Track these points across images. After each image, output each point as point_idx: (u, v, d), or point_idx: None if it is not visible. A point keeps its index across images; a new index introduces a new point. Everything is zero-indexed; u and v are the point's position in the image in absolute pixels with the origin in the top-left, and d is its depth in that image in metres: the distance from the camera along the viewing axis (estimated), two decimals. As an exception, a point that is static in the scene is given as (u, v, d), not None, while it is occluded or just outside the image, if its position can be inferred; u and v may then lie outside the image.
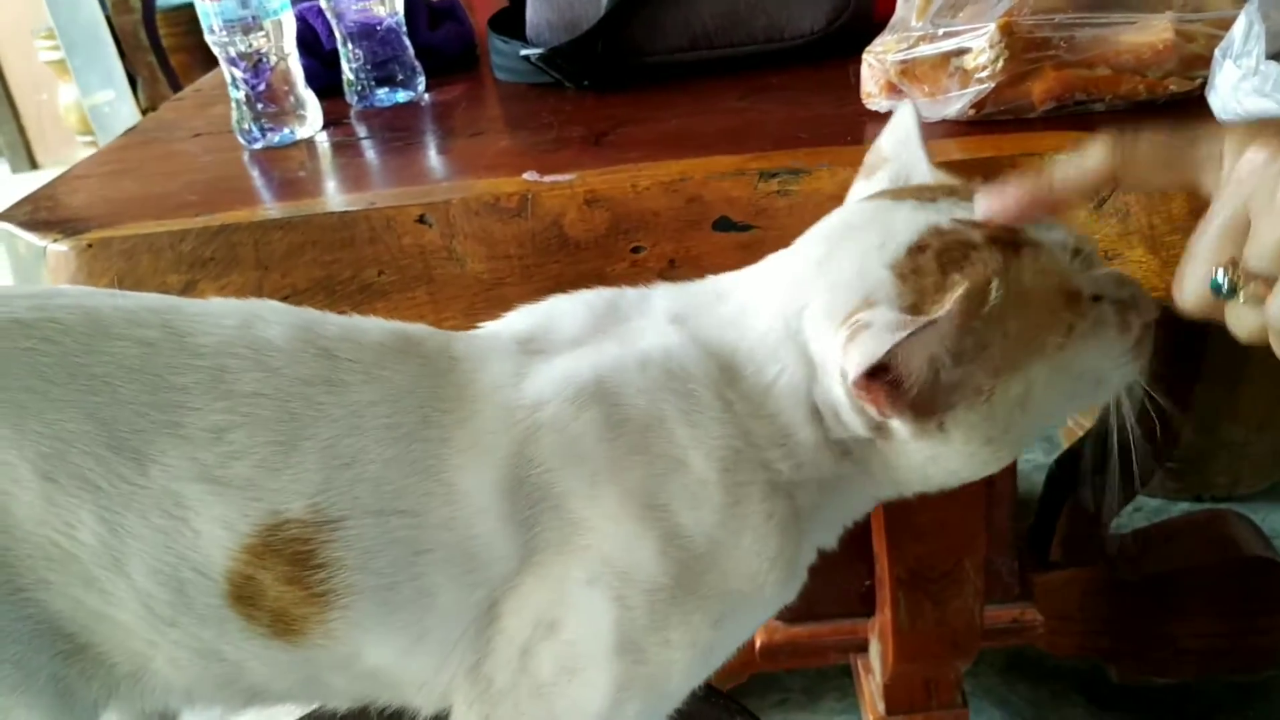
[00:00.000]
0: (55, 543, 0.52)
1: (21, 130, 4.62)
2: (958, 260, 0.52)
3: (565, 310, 0.61)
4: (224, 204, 0.82)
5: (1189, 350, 1.40)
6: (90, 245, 0.79)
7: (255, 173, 0.92)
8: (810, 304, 0.55)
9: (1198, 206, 0.61)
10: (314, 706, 0.61)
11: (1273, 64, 0.60)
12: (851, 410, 0.54)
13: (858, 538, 1.29)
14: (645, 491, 0.54)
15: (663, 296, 0.61)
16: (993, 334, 0.52)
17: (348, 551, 0.52)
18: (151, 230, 0.79)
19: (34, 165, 4.65)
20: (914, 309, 0.52)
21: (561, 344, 0.58)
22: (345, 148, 0.95)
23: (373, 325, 0.58)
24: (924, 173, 0.61)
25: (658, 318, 0.59)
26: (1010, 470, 1.39)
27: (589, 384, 0.55)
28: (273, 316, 0.56)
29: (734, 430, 0.55)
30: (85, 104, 3.88)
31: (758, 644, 1.47)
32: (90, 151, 3.55)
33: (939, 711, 1.34)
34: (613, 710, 0.55)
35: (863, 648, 1.43)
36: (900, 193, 0.59)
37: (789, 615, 1.49)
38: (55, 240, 0.81)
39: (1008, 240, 0.53)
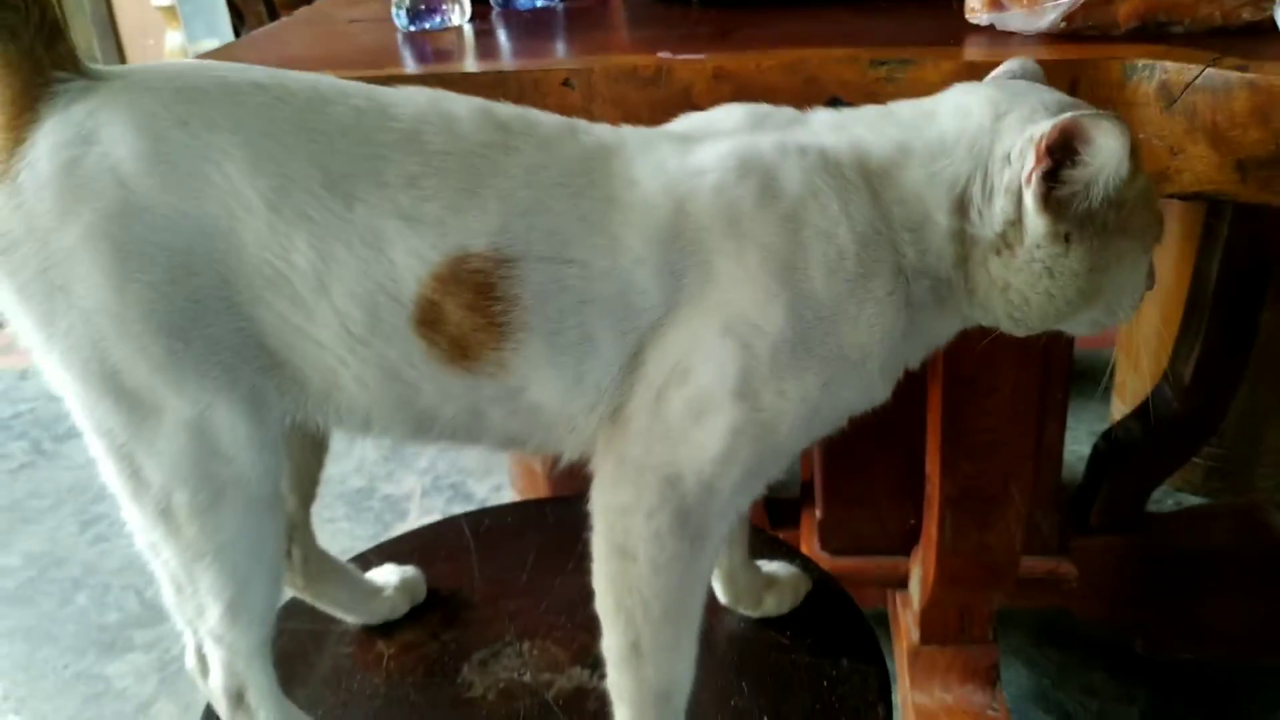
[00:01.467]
0: (272, 265, 0.62)
1: (125, 72, 4.81)
2: None
3: (725, 113, 0.71)
4: (389, 64, 0.93)
5: (1239, 332, 1.47)
6: (273, 85, 0.90)
7: (411, 50, 1.03)
8: (1009, 114, 0.65)
9: (1259, 104, 0.70)
10: (466, 446, 0.70)
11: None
12: (1006, 195, 0.64)
13: (906, 478, 1.37)
14: (787, 255, 0.63)
15: (819, 114, 0.71)
16: (1142, 201, 0.64)
17: (523, 290, 0.62)
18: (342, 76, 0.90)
19: (134, 108, 4.83)
20: None
21: (722, 133, 0.68)
22: (489, 34, 1.06)
23: (542, 113, 0.68)
24: None
25: (816, 125, 0.69)
26: (1059, 429, 1.47)
27: (750, 157, 0.65)
28: (456, 98, 0.67)
29: (876, 213, 0.64)
30: (189, 50, 4.04)
31: (804, 572, 1.56)
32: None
33: (971, 645, 1.41)
34: (727, 453, 0.64)
35: (903, 584, 1.51)
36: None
37: (835, 548, 1.58)
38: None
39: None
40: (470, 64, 0.92)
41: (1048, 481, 1.49)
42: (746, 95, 0.83)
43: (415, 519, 2.14)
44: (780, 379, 0.63)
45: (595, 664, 0.81)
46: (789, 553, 0.93)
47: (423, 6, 1.05)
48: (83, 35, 4.84)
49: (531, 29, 1.06)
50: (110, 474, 0.68)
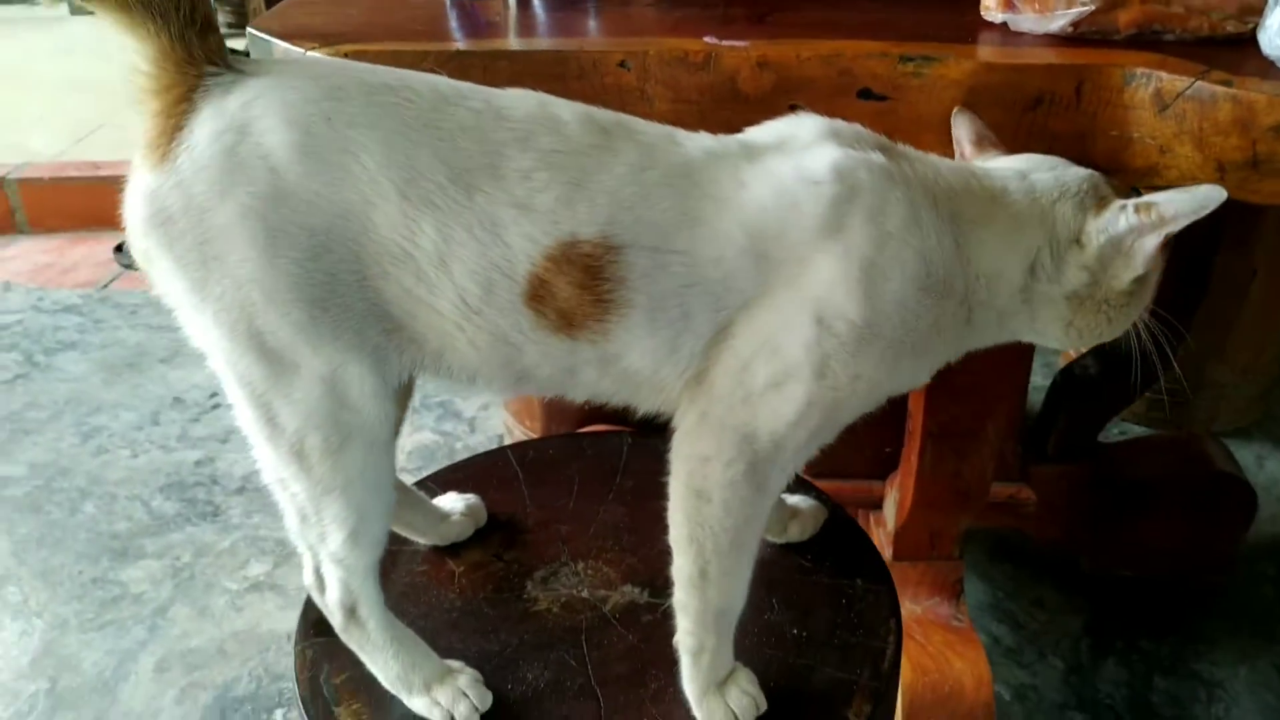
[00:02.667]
0: (400, 245, 0.72)
1: None
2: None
3: (798, 124, 0.80)
4: (444, 37, 1.01)
5: (1195, 274, 1.60)
6: (348, 55, 0.98)
7: (460, 19, 1.10)
8: (1063, 201, 0.78)
9: (1240, 116, 0.82)
10: (557, 394, 0.81)
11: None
12: (1080, 270, 0.78)
13: (885, 409, 1.50)
14: (883, 265, 0.74)
15: (912, 151, 0.80)
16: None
17: (629, 273, 0.72)
18: (398, 48, 0.98)
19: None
20: None
21: (810, 144, 0.77)
22: (526, 6, 1.13)
23: (639, 120, 0.78)
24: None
25: (916, 162, 0.78)
26: (1026, 366, 1.60)
27: (861, 177, 0.74)
28: (560, 102, 0.76)
29: (958, 254, 0.76)
30: None
31: (786, 493, 1.69)
32: None
33: (939, 561, 1.56)
34: (799, 420, 0.76)
35: (876, 505, 1.64)
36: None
37: (814, 470, 1.71)
38: (313, 48, 1.00)
39: None
40: (527, 42, 1.00)
41: (1012, 416, 1.62)
42: (787, 83, 0.93)
43: (407, 434, 2.24)
44: (856, 364, 0.74)
45: (644, 583, 0.93)
46: (807, 487, 1.05)
47: (471, -25, 1.12)
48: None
49: (574, 3, 1.14)
50: (247, 419, 0.78)
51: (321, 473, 0.76)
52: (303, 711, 0.84)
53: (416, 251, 0.72)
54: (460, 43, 0.98)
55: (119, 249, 2.90)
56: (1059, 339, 0.81)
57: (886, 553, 1.58)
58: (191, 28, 0.71)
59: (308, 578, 0.84)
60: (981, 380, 1.28)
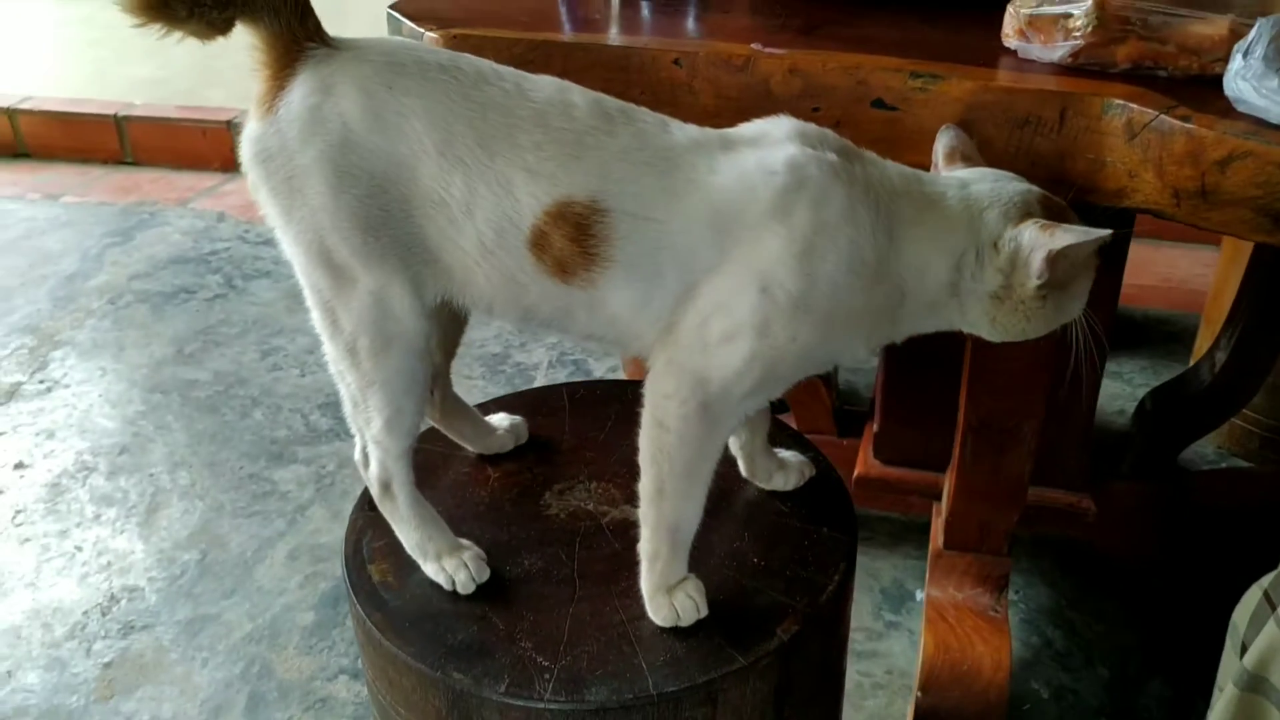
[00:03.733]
0: (438, 193, 0.90)
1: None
2: (1062, 213, 0.88)
3: (776, 124, 0.94)
4: (544, 27, 1.18)
5: (1272, 321, 1.63)
6: (455, 36, 1.17)
7: (564, 9, 1.28)
8: (990, 209, 0.89)
9: (1192, 149, 0.91)
10: (557, 334, 0.98)
11: (1264, 65, 0.88)
12: (997, 273, 0.88)
13: (953, 404, 1.59)
14: (820, 246, 0.87)
15: (868, 154, 0.93)
16: (1077, 261, 0.88)
17: (612, 233, 0.88)
18: (496, 34, 1.17)
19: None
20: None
21: (779, 140, 0.91)
22: (630, 4, 1.30)
23: (645, 111, 0.93)
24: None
25: (866, 163, 0.91)
26: (1094, 382, 1.67)
27: (811, 171, 0.88)
28: (578, 89, 0.93)
29: (891, 247, 0.88)
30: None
31: (855, 474, 1.80)
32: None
33: (987, 555, 1.64)
34: (744, 369, 0.90)
35: (940, 496, 1.74)
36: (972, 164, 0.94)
37: (886, 458, 1.82)
38: (430, 30, 1.19)
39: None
40: (608, 35, 1.17)
41: (1078, 425, 1.69)
42: (812, 89, 1.06)
43: (539, 384, 2.45)
44: (792, 328, 0.88)
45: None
46: (804, 445, 1.18)
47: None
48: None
49: (665, 5, 1.30)
50: (317, 319, 0.98)
51: (368, 368, 0.95)
52: (344, 564, 1.04)
53: (449, 199, 0.90)
54: (547, 33, 1.16)
55: (320, 194, 3.22)
56: (987, 332, 0.92)
57: (939, 540, 1.68)
58: (295, 17, 0.91)
59: (357, 454, 1.03)
60: (1017, 381, 1.38)
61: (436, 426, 1.17)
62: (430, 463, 1.14)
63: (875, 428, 1.80)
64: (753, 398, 0.94)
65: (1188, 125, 0.91)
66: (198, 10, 0.90)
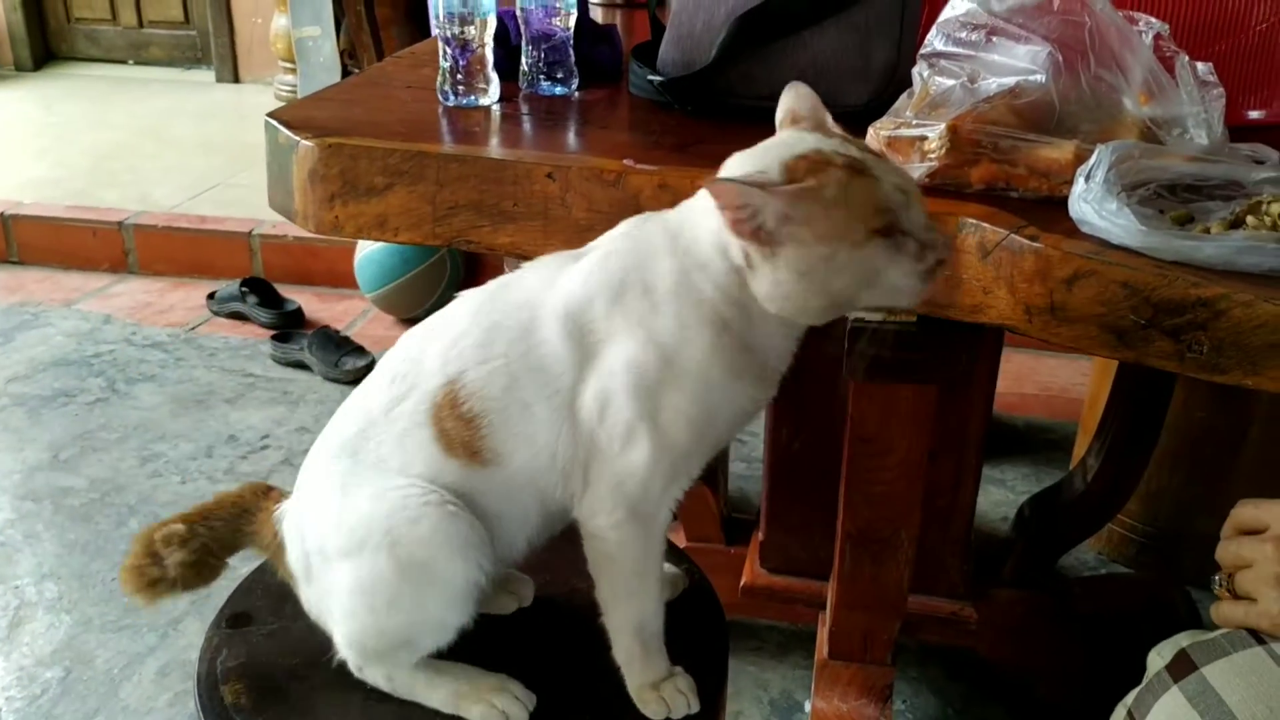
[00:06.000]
0: None
1: (233, 47, 5.16)
2: (819, 168, 0.85)
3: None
4: (420, 137, 1.19)
5: (1149, 415, 1.68)
6: (330, 145, 1.17)
7: (445, 121, 1.29)
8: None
9: (1040, 267, 0.94)
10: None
11: (1104, 189, 0.92)
12: (729, 239, 0.87)
13: (837, 513, 1.59)
14: (640, 314, 0.90)
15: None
16: (820, 212, 0.83)
17: (473, 390, 0.92)
18: (370, 144, 1.17)
19: (236, 79, 5.18)
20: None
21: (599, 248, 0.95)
22: (511, 118, 1.32)
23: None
24: (830, 125, 0.94)
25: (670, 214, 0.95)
26: (972, 486, 1.70)
27: (611, 263, 0.92)
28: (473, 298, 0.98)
29: (681, 265, 0.90)
30: (293, 35, 4.34)
31: (741, 583, 1.80)
32: (289, 78, 4.02)
33: (871, 665, 1.64)
34: (651, 467, 0.90)
35: (825, 605, 1.74)
36: (815, 127, 0.93)
37: (772, 566, 1.82)
38: (305, 138, 1.19)
39: (856, 168, 0.84)
40: (485, 147, 1.18)
41: (958, 533, 1.71)
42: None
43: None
44: (665, 396, 0.89)
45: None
46: (678, 556, 1.17)
47: (460, 87, 1.31)
48: (198, 8, 5.19)
49: (544, 116, 1.32)
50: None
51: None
52: (196, 684, 1.00)
53: None
54: (423, 144, 1.16)
55: (211, 296, 3.18)
56: (789, 315, 0.90)
57: (824, 650, 1.67)
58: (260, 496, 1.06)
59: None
60: (893, 490, 1.39)
61: None
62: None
63: (761, 536, 1.80)
64: (674, 485, 0.94)
65: (1035, 244, 0.94)
66: (190, 572, 1.01)
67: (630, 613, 0.96)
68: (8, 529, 2.23)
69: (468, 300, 0.98)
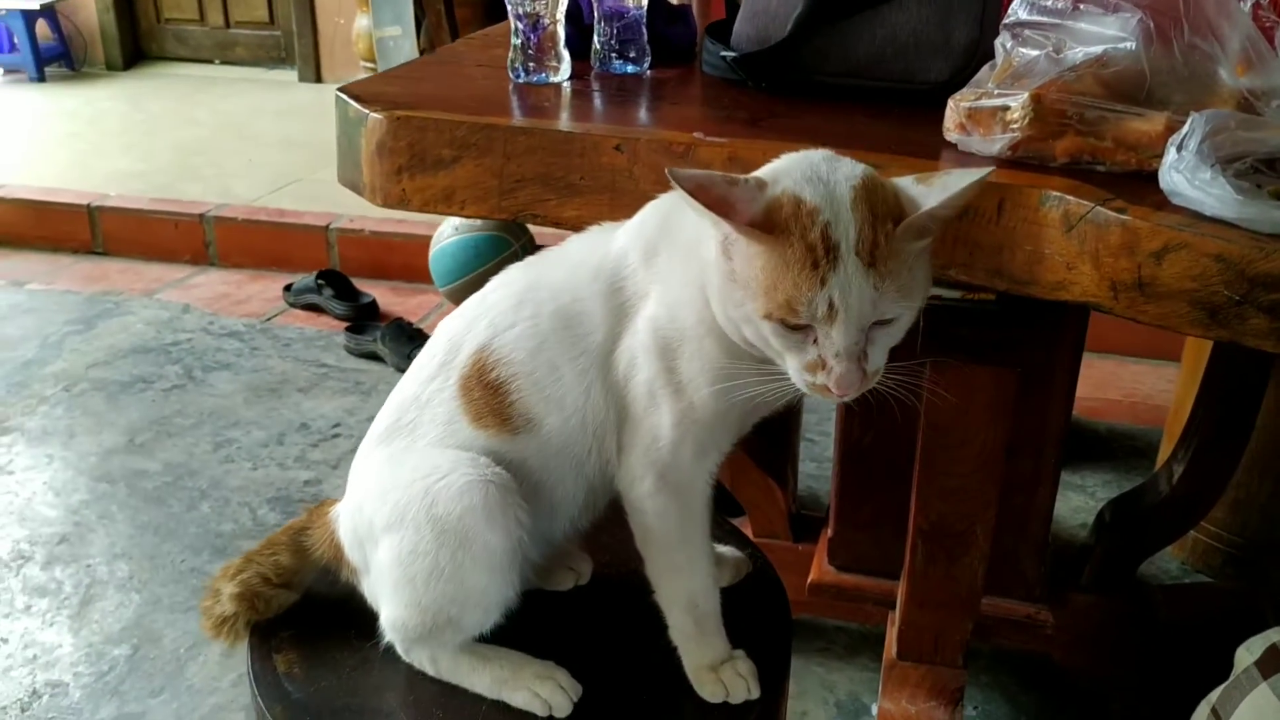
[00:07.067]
0: None
1: (316, 47, 5.24)
2: (794, 225, 0.78)
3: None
4: (489, 112, 1.18)
5: (1239, 416, 1.61)
6: (399, 118, 1.16)
7: (515, 97, 1.28)
8: None
9: (1127, 240, 0.90)
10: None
11: (1198, 159, 0.88)
12: None
13: (908, 510, 1.55)
14: (664, 271, 0.89)
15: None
16: (756, 262, 0.79)
17: (502, 357, 0.91)
18: (438, 116, 1.16)
19: (319, 79, 5.25)
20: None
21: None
22: (581, 94, 1.30)
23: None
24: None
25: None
26: (1050, 486, 1.64)
27: (650, 222, 0.92)
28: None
29: (697, 230, 0.86)
30: (374, 34, 4.40)
31: (809, 580, 1.76)
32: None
33: (942, 667, 1.59)
34: (676, 429, 0.89)
35: (895, 604, 1.69)
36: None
37: (840, 564, 1.78)
38: (374, 110, 1.18)
39: (816, 253, 0.77)
40: (553, 120, 1.17)
41: (1035, 534, 1.66)
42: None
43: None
44: (680, 358, 0.88)
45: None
46: (741, 541, 1.14)
47: (531, 64, 1.30)
48: (283, 8, 5.28)
49: (614, 93, 1.30)
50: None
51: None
52: (249, 652, 0.99)
53: None
54: (491, 117, 1.15)
55: (288, 288, 3.21)
56: (723, 320, 0.86)
57: (893, 650, 1.62)
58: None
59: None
60: (968, 483, 1.35)
61: None
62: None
63: (830, 533, 1.76)
64: (706, 456, 0.92)
65: (1123, 217, 0.90)
66: (244, 604, 1.02)
67: (679, 588, 0.94)
68: (83, 509, 2.26)
69: (505, 273, 0.97)
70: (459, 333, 0.95)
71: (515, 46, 1.30)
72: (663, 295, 0.88)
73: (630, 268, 0.90)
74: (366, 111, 1.18)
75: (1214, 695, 0.87)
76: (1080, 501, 2.30)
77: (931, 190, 0.80)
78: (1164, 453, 2.24)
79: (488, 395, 0.92)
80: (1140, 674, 1.77)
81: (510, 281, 0.96)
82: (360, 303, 3.12)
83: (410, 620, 0.93)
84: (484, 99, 1.25)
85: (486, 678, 0.94)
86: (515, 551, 0.91)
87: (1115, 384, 2.76)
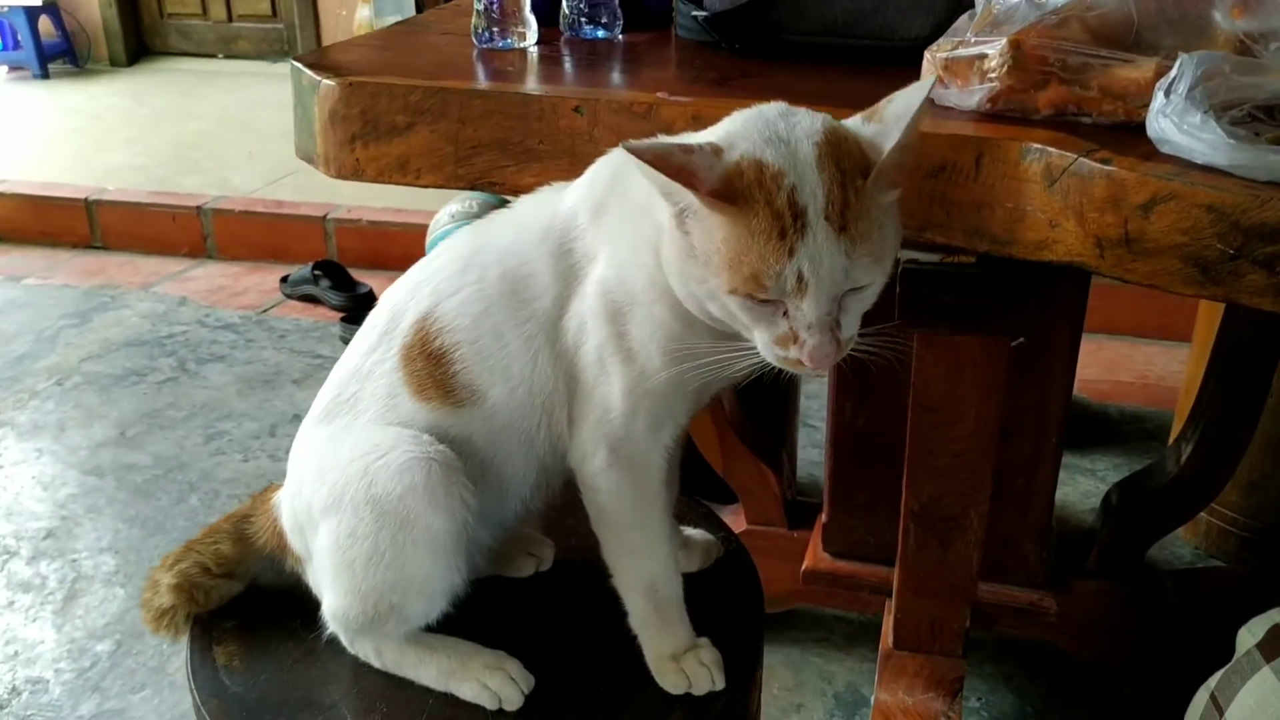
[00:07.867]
0: None
1: (318, 38, 5.20)
2: (758, 191, 0.73)
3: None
4: (449, 77, 1.12)
5: (1249, 393, 1.53)
6: (351, 84, 1.11)
7: (479, 64, 1.22)
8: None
9: (1112, 193, 0.83)
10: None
11: (1187, 103, 0.81)
12: None
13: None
14: (613, 230, 0.83)
15: None
16: (717, 233, 0.73)
17: (447, 324, 0.85)
18: (391, 81, 1.10)
19: (322, 72, 5.22)
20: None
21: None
22: (547, 60, 1.24)
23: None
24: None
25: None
26: (1051, 467, 1.57)
27: (600, 197, 0.85)
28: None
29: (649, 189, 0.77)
30: (375, 25, 4.36)
31: (803, 568, 1.69)
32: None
33: (939, 656, 1.53)
34: (627, 399, 0.83)
35: (891, 592, 1.63)
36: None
37: (835, 551, 1.71)
38: (327, 77, 1.13)
39: (783, 220, 0.72)
40: (511, 84, 1.11)
41: (1037, 518, 1.59)
42: (716, 136, 0.99)
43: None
44: (630, 321, 0.82)
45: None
46: (714, 524, 1.08)
47: (495, 29, 1.24)
48: (285, 1, 5.24)
49: (582, 58, 1.24)
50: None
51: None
52: (188, 645, 0.94)
53: None
54: (444, 80, 1.09)
55: (285, 280, 3.17)
56: (679, 289, 0.80)
57: (889, 640, 1.56)
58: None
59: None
60: (961, 462, 1.28)
61: None
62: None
63: (824, 519, 1.70)
64: (661, 430, 0.86)
65: (1108, 168, 0.83)
66: (182, 595, 0.97)
67: (637, 571, 0.89)
68: (70, 503, 2.23)
69: (453, 237, 0.91)
70: (401, 301, 0.89)
71: (479, 11, 1.24)
72: (612, 256, 0.83)
73: (579, 228, 0.84)
74: (319, 79, 1.13)
75: (1213, 680, 0.80)
76: (1090, 486, 2.23)
77: (885, 126, 0.76)
78: (1175, 434, 2.17)
79: (430, 366, 0.86)
80: (1150, 661, 1.70)
81: (456, 245, 0.90)
82: (357, 293, 3.07)
83: (351, 609, 0.88)
84: (445, 65, 1.20)
85: (433, 669, 0.89)
86: (461, 534, 0.85)
87: (1127, 366, 2.69)
